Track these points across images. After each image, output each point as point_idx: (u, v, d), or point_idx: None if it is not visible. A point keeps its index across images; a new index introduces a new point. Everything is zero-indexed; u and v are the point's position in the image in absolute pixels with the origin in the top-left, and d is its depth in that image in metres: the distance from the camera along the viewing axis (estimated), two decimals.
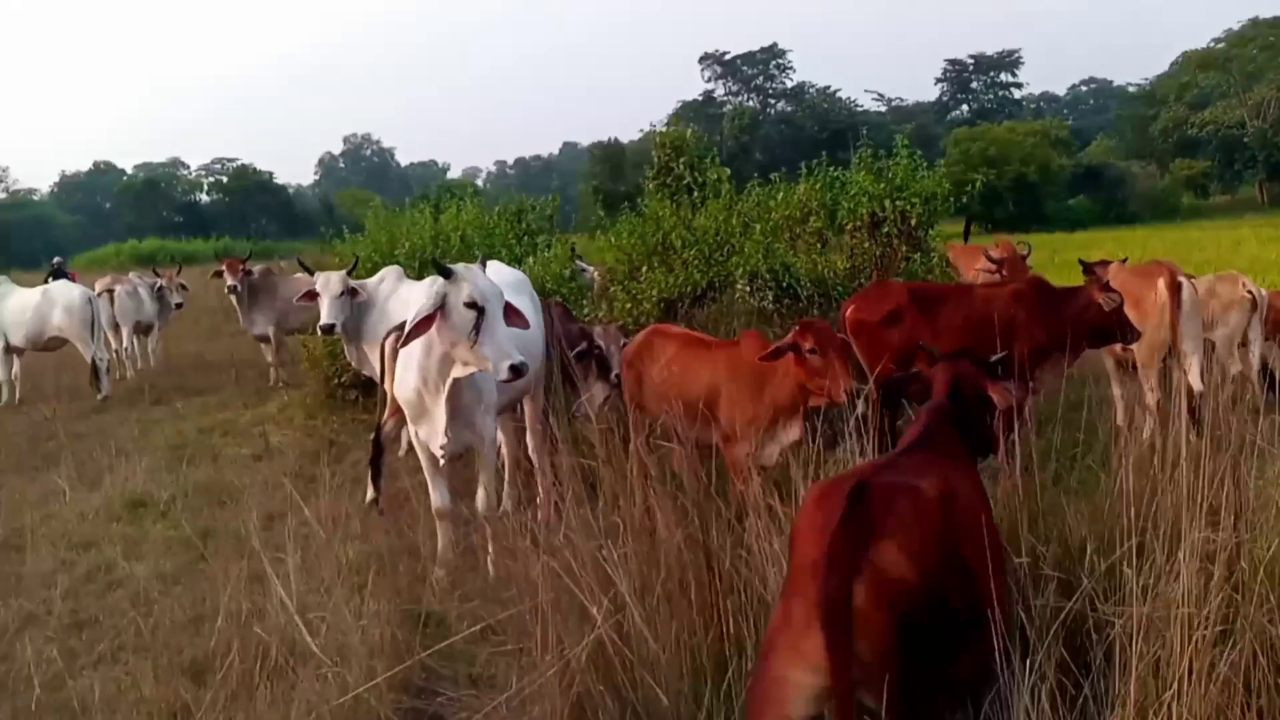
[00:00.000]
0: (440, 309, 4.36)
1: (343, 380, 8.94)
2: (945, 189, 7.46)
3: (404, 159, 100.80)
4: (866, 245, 7.01)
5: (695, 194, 8.48)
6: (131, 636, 4.45)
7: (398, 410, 5.72)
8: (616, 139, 63.36)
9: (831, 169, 8.22)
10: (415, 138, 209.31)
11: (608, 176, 54.97)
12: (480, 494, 4.95)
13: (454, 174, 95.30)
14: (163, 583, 5.17)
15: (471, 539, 5.17)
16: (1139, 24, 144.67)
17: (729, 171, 8.67)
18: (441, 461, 4.81)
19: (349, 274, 7.71)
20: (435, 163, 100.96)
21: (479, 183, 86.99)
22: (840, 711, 2.14)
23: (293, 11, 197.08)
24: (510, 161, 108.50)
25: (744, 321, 7.04)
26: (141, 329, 13.09)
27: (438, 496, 5.01)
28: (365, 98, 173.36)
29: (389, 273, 7.92)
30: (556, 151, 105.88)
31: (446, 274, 4.42)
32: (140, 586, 5.10)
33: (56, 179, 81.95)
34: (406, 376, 4.71)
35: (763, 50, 66.49)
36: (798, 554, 2.35)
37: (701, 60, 67.42)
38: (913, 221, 7.15)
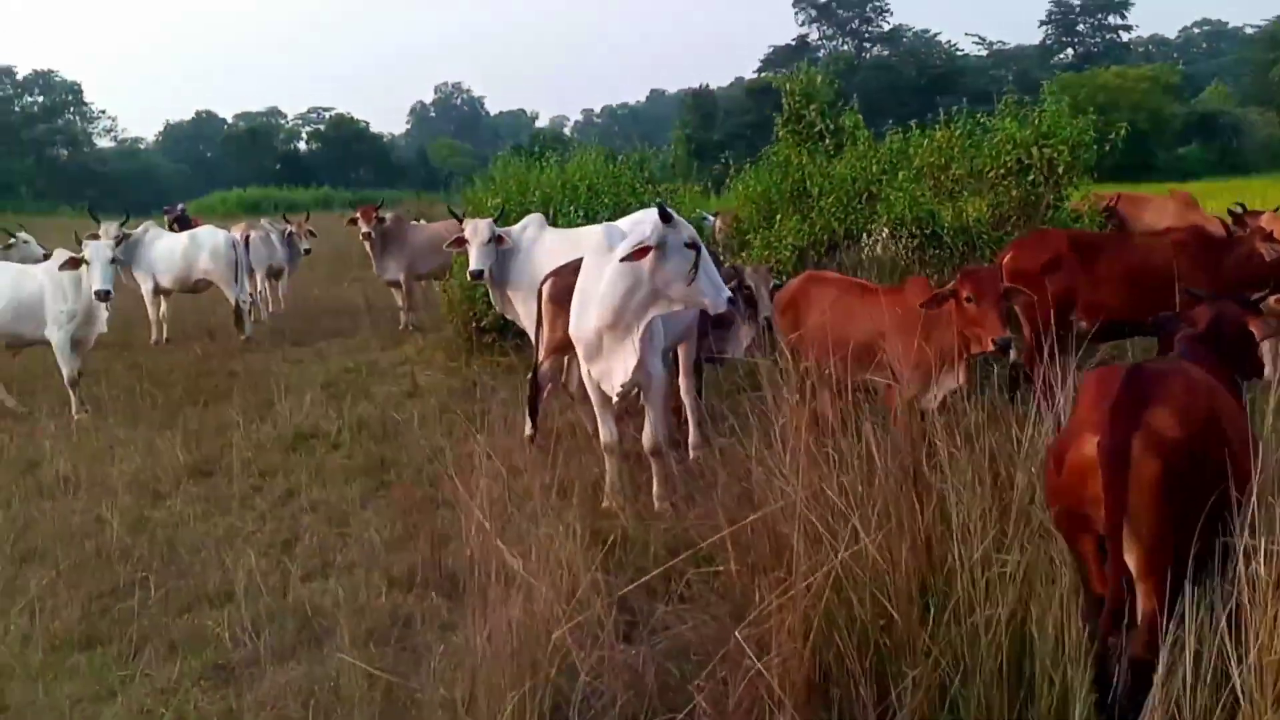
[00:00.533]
0: (659, 248, 4.55)
1: (482, 324, 9.28)
2: (1090, 136, 7.36)
3: (493, 108, 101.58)
4: (1014, 193, 6.98)
5: (828, 140, 8.50)
6: (337, 554, 4.81)
7: (556, 350, 5.97)
8: (707, 85, 62.84)
9: (975, 115, 8.15)
10: (504, 86, 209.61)
11: (699, 125, 54.64)
12: (648, 430, 5.16)
13: (542, 122, 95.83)
14: (350, 506, 5.54)
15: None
16: None
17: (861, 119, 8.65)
18: (615, 399, 5.04)
19: (495, 221, 7.98)
20: (524, 111, 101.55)
21: (566, 131, 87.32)
22: (1111, 542, 2.67)
23: None
24: (597, 110, 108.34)
25: (884, 269, 7.12)
26: (273, 273, 13.67)
27: (607, 432, 5.25)
28: (455, 46, 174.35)
29: (532, 220, 8.16)
30: (644, 99, 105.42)
31: (667, 218, 4.61)
32: (332, 510, 5.50)
33: (161, 128, 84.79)
34: (586, 316, 4.90)
35: None
36: (1078, 416, 2.92)
37: (795, 4, 66.12)
38: (1059, 169, 7.09)
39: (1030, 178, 7.07)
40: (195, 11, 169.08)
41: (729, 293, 4.76)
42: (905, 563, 2.83)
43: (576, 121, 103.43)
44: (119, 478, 6.07)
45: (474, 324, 9.43)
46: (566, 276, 5.71)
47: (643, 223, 5.13)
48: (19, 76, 60.85)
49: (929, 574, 3.11)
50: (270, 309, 13.59)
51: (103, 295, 7.67)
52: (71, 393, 8.05)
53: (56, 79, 62.45)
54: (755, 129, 55.50)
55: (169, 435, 7.02)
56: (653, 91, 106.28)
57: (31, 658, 3.85)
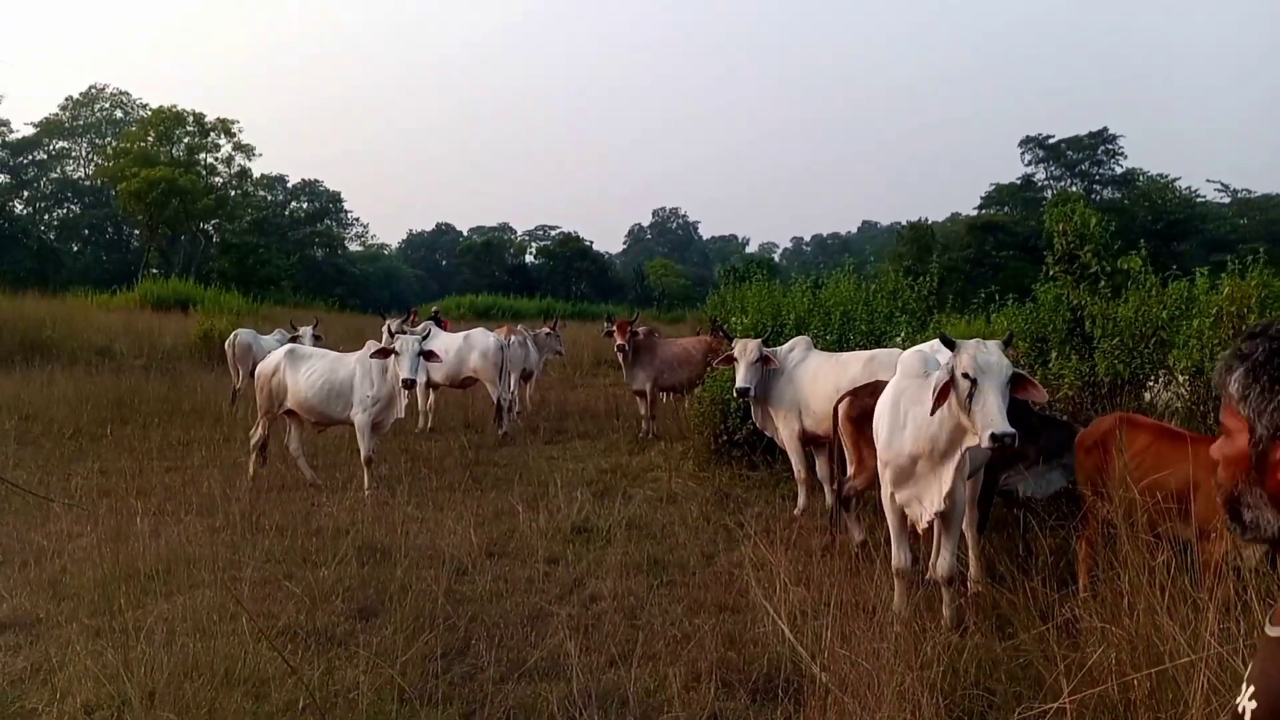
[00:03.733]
0: (950, 379, 4.65)
1: (735, 437, 9.54)
2: None
3: (706, 232, 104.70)
4: None
5: (1103, 283, 8.36)
6: (637, 645, 5.03)
7: (866, 472, 6.05)
8: (926, 219, 62.59)
9: (1275, 266, 7.85)
10: (717, 212, 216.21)
11: (915, 256, 54.30)
12: (944, 556, 5.17)
13: (751, 248, 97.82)
14: (638, 599, 5.79)
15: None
16: None
17: (1139, 262, 8.48)
18: (922, 526, 5.09)
19: (763, 343, 8.30)
20: (735, 237, 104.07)
21: (775, 257, 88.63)
22: None
23: (606, 92, 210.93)
24: (807, 238, 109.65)
25: (1177, 417, 6.86)
26: (525, 375, 14.56)
27: (901, 556, 5.29)
28: (673, 173, 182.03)
29: (799, 342, 8.44)
30: (855, 229, 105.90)
31: (951, 346, 4.73)
32: (621, 601, 5.77)
33: (404, 236, 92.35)
34: (901, 441, 5.02)
35: (1091, 135, 63.34)
36: None
37: (1022, 144, 65.25)
38: None
39: None
40: (437, 130, 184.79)
41: (1000, 430, 4.46)
42: None
43: (785, 249, 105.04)
44: (421, 550, 6.60)
45: (725, 436, 9.70)
46: (864, 398, 5.88)
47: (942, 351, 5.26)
48: (290, 184, 68.16)
49: None
50: (519, 408, 14.43)
51: (409, 384, 8.45)
52: (366, 470, 8.83)
53: (320, 188, 69.51)
54: (974, 264, 54.74)
55: (456, 515, 7.57)
56: (864, 223, 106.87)
57: (386, 707, 4.23)
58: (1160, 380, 7.22)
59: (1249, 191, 63.37)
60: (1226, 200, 62.28)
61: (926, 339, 8.91)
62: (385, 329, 12.81)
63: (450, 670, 4.65)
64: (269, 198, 65.82)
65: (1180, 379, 6.84)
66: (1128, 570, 3.76)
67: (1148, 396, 7.55)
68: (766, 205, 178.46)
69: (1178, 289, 7.92)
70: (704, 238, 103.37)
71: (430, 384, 12.46)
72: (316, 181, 69.71)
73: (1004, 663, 4.31)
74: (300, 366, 9.09)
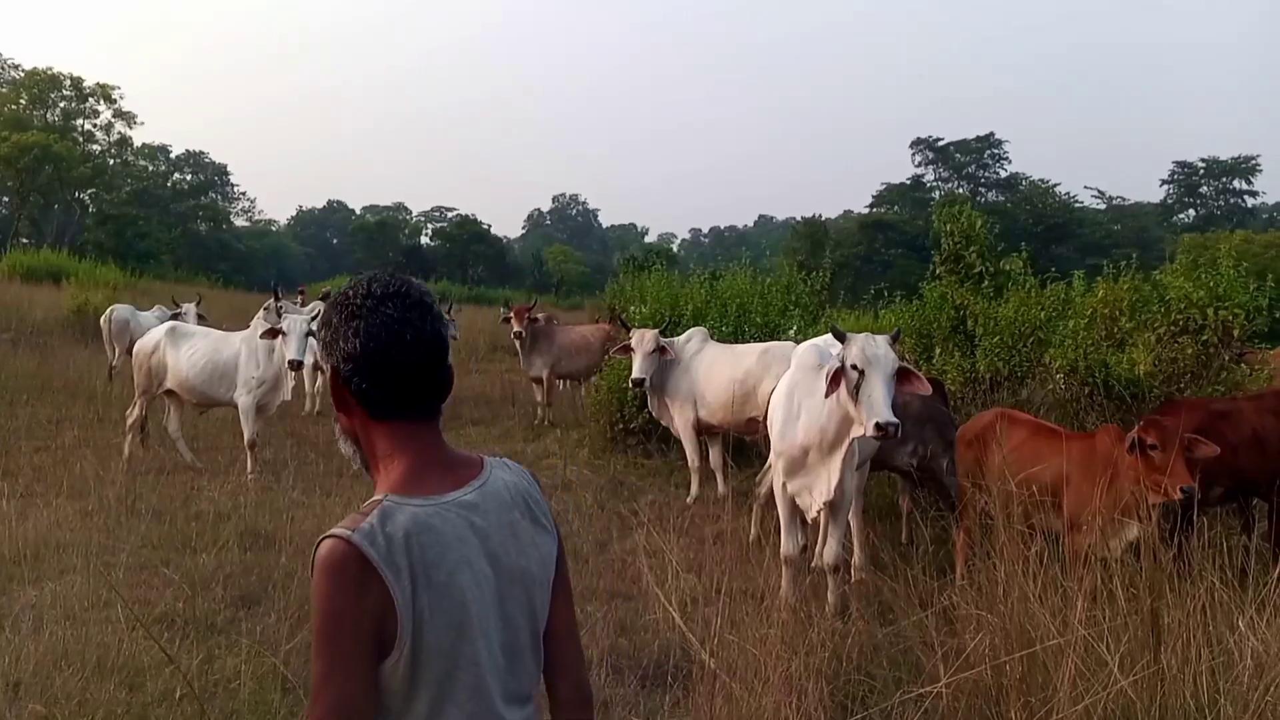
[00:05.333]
0: (840, 369, 4.75)
1: (630, 426, 9.59)
2: (1264, 302, 7.42)
3: (605, 220, 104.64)
4: (1189, 351, 7.05)
5: (986, 283, 8.71)
6: None
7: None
8: (820, 215, 63.91)
9: (1144, 271, 8.30)
10: (617, 200, 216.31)
11: (809, 252, 55.42)
12: (831, 544, 5.30)
13: (650, 237, 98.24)
14: None
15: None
16: None
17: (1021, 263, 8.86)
18: (811, 515, 5.20)
19: (660, 333, 8.36)
20: (634, 226, 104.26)
21: (674, 247, 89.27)
22: None
23: (508, 74, 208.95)
24: (705, 230, 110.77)
25: (1050, 414, 7.21)
26: None
27: (790, 544, 5.41)
28: (574, 159, 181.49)
29: (695, 333, 8.53)
30: (751, 224, 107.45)
31: (842, 339, 4.84)
32: None
33: (293, 212, 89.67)
34: (795, 432, 5.12)
35: (978, 139, 65.67)
36: None
37: (913, 145, 67.22)
38: (1235, 332, 7.15)
39: (1204, 338, 7.14)
40: (332, 108, 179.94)
41: (884, 419, 4.56)
42: (1159, 702, 2.91)
43: (684, 239, 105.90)
44: (306, 536, 6.43)
45: (621, 424, 9.74)
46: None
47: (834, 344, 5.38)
48: (173, 155, 65.41)
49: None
50: None
51: (295, 365, 8.22)
52: (250, 454, 8.56)
53: (206, 159, 66.97)
54: (864, 261, 56.17)
55: (344, 501, 7.40)
56: (761, 217, 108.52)
57: (269, 696, 4.12)
58: (1037, 377, 7.56)
59: (1123, 199, 66.77)
60: (1102, 206, 65.44)
61: (819, 332, 9.12)
62: (265, 309, 12.49)
63: None
64: (150, 168, 63.08)
65: (1056, 377, 7.17)
66: (1003, 561, 3.92)
67: (1024, 393, 7.91)
68: (666, 196, 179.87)
69: (1055, 291, 8.31)
70: (604, 225, 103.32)
71: (319, 365, 12.13)
72: (202, 153, 67.25)
73: (885, 648, 4.45)
74: (182, 345, 8.75)
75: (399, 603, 1.46)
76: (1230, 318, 7.14)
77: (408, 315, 1.57)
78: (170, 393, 8.87)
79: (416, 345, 1.57)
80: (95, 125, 49.51)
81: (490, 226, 66.88)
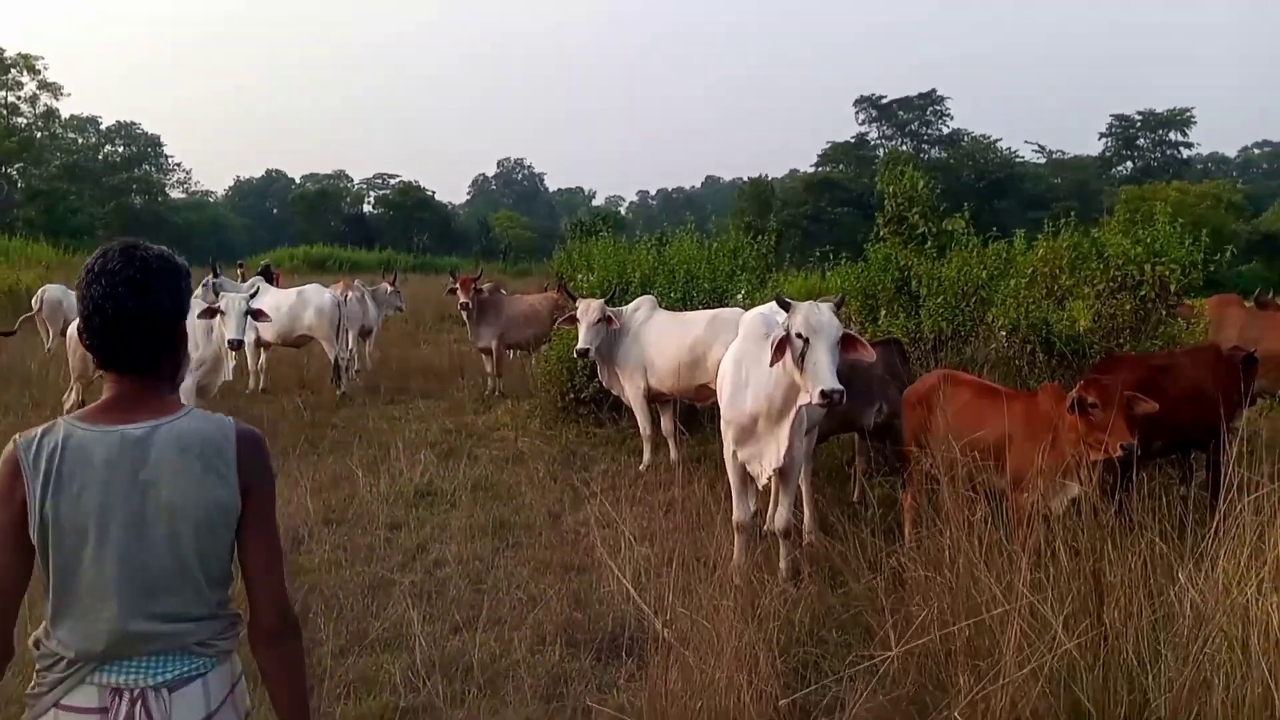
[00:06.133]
0: (785, 337, 4.75)
1: (580, 395, 9.56)
2: (1199, 257, 7.56)
3: (552, 184, 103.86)
4: (1128, 307, 7.17)
5: (929, 243, 8.76)
6: (481, 609, 4.98)
7: None
8: (766, 175, 63.99)
9: (1084, 228, 8.40)
10: (563, 164, 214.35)
11: (756, 212, 55.57)
12: (781, 510, 5.34)
13: (598, 201, 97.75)
14: (483, 563, 5.75)
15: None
16: None
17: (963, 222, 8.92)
18: (762, 483, 5.23)
19: (607, 301, 8.31)
20: (582, 189, 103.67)
21: (622, 210, 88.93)
22: None
23: (450, 36, 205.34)
24: (653, 192, 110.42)
25: (993, 372, 7.30)
26: (363, 333, 14.10)
27: (741, 510, 5.44)
28: (519, 123, 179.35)
29: (643, 301, 8.48)
30: (699, 184, 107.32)
31: (786, 306, 4.84)
32: (466, 566, 5.70)
33: (231, 183, 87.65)
34: (743, 400, 5.12)
35: (920, 96, 66.12)
36: None
37: (857, 104, 67.51)
38: (1172, 287, 7.29)
39: (1142, 293, 7.27)
40: (268, 74, 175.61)
41: (829, 387, 4.55)
42: (1103, 660, 2.98)
43: (632, 202, 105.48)
44: None
45: (572, 394, 9.70)
46: None
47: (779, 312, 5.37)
48: (103, 126, 63.42)
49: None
50: (358, 366, 13.97)
51: (235, 345, 8.03)
52: None
53: (138, 130, 64.98)
54: (811, 220, 56.48)
55: (292, 482, 7.29)
56: (708, 178, 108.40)
57: None
58: (980, 336, 7.65)
59: (1062, 153, 67.78)
60: (1042, 160, 66.40)
61: (766, 296, 9.13)
62: (204, 285, 12.20)
63: None
64: (80, 140, 61.22)
65: (1000, 335, 7.26)
66: (949, 526, 3.97)
67: (969, 351, 8.00)
68: (613, 160, 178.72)
69: (997, 250, 8.39)
70: (550, 190, 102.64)
71: (261, 343, 11.91)
72: (133, 124, 65.20)
73: (837, 612, 4.51)
74: None
75: (31, 502, 1.77)
76: (1167, 273, 7.28)
77: (115, 291, 1.84)
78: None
79: (117, 321, 1.84)
80: (19, 97, 47.85)
81: (434, 193, 66.16)
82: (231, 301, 8.14)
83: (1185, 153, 65.81)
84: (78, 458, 1.79)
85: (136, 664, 1.85)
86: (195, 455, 1.86)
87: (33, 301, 13.80)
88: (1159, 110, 64.31)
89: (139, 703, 1.82)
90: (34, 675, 1.86)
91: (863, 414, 6.63)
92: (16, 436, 1.82)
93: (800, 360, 4.69)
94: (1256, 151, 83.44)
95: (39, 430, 1.82)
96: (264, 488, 1.98)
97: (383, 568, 5.67)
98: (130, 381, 1.89)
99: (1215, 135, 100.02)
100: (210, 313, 8.20)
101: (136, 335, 1.86)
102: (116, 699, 1.81)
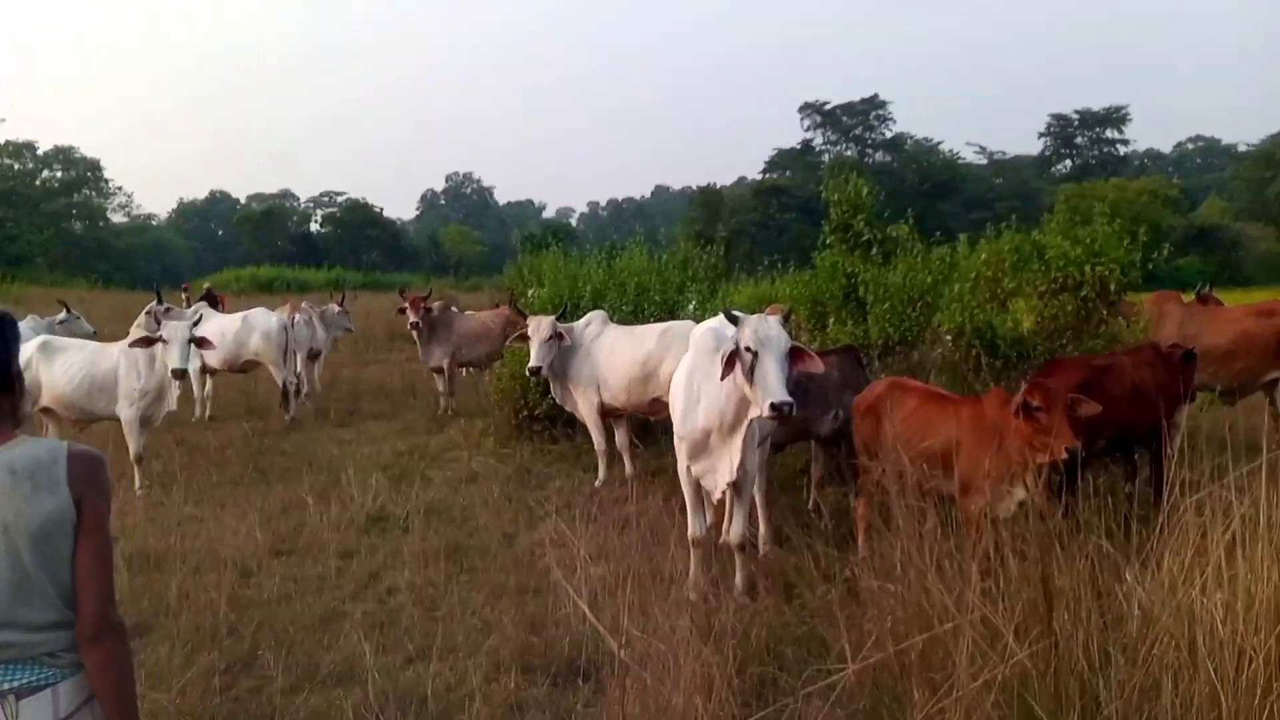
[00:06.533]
0: (734, 352, 4.74)
1: (535, 412, 9.49)
2: (1138, 256, 7.71)
3: (502, 198, 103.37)
4: (1070, 308, 7.28)
5: (875, 250, 8.84)
6: (435, 638, 4.90)
7: None
8: (715, 184, 64.31)
9: (1026, 231, 8.52)
10: (512, 177, 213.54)
11: (706, 221, 55.81)
12: (736, 523, 5.32)
13: (548, 213, 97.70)
14: (437, 590, 5.66)
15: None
16: (1250, 83, 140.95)
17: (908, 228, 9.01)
18: (716, 497, 5.22)
19: (558, 318, 8.27)
20: (531, 202, 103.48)
21: (572, 222, 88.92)
22: None
23: (394, 49, 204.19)
24: (603, 202, 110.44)
25: (940, 376, 7.37)
26: (311, 355, 13.89)
27: (697, 526, 5.42)
28: (466, 137, 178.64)
29: (594, 317, 8.45)
30: (648, 194, 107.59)
31: (734, 320, 4.84)
32: (419, 593, 5.61)
33: (174, 205, 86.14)
34: (695, 416, 5.11)
35: (863, 101, 66.92)
36: None
37: (801, 110, 68.17)
38: (1112, 286, 7.42)
39: (1083, 294, 7.39)
40: (209, 93, 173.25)
41: (779, 400, 4.52)
42: (1054, 667, 2.99)
43: (582, 213, 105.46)
44: (201, 554, 6.20)
45: (525, 411, 9.63)
46: None
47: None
48: (40, 151, 62.00)
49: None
50: (306, 390, 13.76)
51: (179, 374, 7.89)
52: (136, 469, 8.21)
53: (76, 154, 63.60)
54: (760, 227, 56.83)
55: (240, 513, 7.16)
56: (657, 187, 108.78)
57: None
58: (927, 341, 7.72)
59: (1003, 153, 69.02)
60: (984, 161, 67.55)
61: (717, 307, 9.15)
62: (147, 313, 11.96)
63: (235, 685, 4.39)
64: (16, 166, 59.66)
65: (945, 339, 7.33)
66: (899, 538, 3.97)
67: (916, 356, 8.08)
68: (562, 171, 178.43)
69: (941, 254, 8.48)
70: (500, 203, 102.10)
71: (206, 369, 11.69)
72: (71, 148, 63.73)
73: (792, 627, 4.50)
74: (56, 360, 8.28)
75: None
76: (1107, 273, 7.41)
77: None
78: (47, 410, 8.41)
79: None
80: None
81: (383, 210, 65.58)
82: (175, 330, 7.98)
83: (1122, 150, 67.36)
84: None
85: None
86: (25, 476, 2.05)
87: None
88: (1095, 109, 65.78)
89: None
90: None
91: (819, 422, 6.66)
92: None
93: (750, 374, 4.69)
94: (1190, 146, 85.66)
95: None
96: (96, 500, 2.16)
97: (334, 598, 5.57)
98: None
99: (1150, 132, 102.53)
100: (146, 342, 8.04)
101: None
102: None
